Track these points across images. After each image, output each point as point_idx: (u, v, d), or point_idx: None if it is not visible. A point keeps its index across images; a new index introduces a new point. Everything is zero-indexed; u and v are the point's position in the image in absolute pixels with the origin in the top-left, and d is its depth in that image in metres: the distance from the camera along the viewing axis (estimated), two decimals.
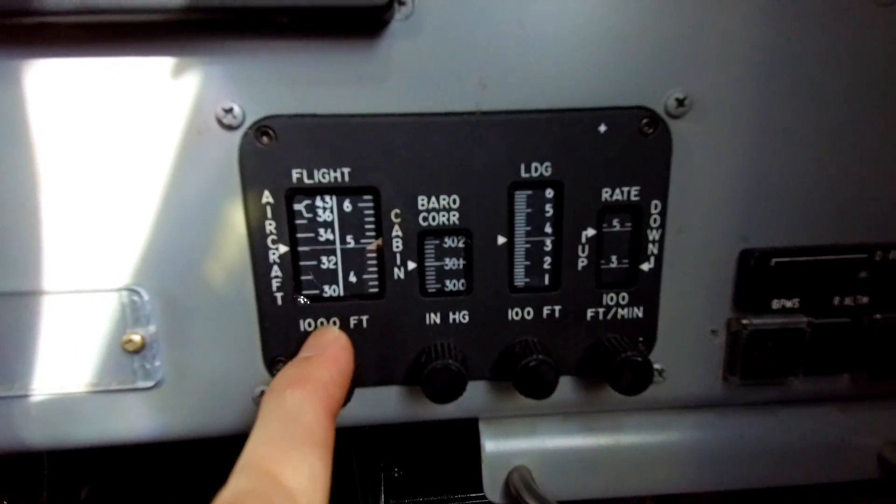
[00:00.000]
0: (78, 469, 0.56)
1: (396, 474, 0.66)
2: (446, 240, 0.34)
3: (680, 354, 0.36)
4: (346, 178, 0.31)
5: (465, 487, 0.63)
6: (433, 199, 0.32)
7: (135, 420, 0.35)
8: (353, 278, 0.34)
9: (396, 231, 0.33)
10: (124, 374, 0.33)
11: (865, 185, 0.34)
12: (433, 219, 0.33)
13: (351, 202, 0.32)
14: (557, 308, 0.35)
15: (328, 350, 0.30)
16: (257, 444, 0.24)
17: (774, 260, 0.34)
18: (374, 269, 0.34)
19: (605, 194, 0.33)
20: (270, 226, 0.32)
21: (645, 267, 0.34)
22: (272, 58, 0.30)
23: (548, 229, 0.34)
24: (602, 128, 0.32)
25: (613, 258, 0.34)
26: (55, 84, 0.29)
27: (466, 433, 0.40)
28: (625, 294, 0.35)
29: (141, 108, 0.30)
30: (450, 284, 0.34)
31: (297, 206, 0.32)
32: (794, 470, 0.40)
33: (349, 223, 0.33)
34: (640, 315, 0.35)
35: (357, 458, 0.63)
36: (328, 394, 0.27)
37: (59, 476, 0.54)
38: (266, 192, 0.31)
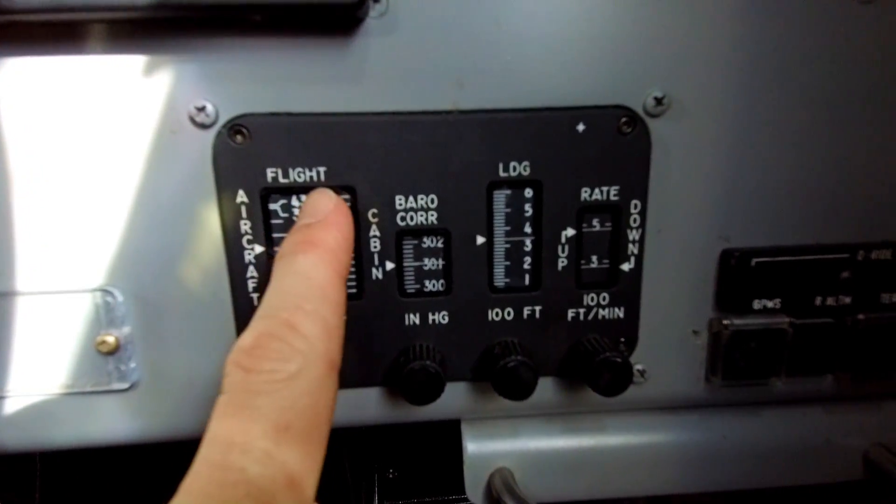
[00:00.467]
0: (72, 470, 0.56)
1: (391, 475, 0.66)
2: (425, 240, 0.33)
3: (662, 355, 0.36)
4: (322, 178, 0.31)
5: (460, 489, 0.63)
6: (411, 198, 0.32)
7: (111, 422, 0.34)
8: None
9: (374, 231, 0.32)
10: (99, 375, 0.33)
11: (847, 184, 0.34)
12: (411, 218, 0.32)
13: None
14: (538, 308, 0.34)
15: (329, 216, 0.29)
16: (273, 298, 0.25)
17: (755, 260, 0.34)
18: (352, 269, 0.33)
19: (585, 194, 0.32)
20: (245, 226, 0.32)
21: (625, 267, 0.34)
22: (245, 56, 0.29)
23: (527, 229, 0.33)
24: (580, 127, 0.31)
25: (593, 258, 0.34)
26: (25, 83, 0.29)
27: (460, 434, 0.40)
28: (605, 294, 0.34)
29: (113, 107, 0.30)
30: (429, 285, 0.34)
31: (272, 206, 0.32)
32: (778, 471, 0.39)
33: None
34: (621, 315, 0.35)
35: (350, 459, 0.63)
36: (337, 258, 0.27)
37: (53, 477, 0.54)
38: (241, 192, 0.31)
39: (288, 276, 0.26)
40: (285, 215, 0.32)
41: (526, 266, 0.34)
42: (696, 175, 0.33)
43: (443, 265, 0.34)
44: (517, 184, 0.32)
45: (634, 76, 0.31)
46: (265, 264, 0.32)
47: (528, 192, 0.33)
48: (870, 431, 0.39)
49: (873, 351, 0.36)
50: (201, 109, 0.30)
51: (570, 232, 0.33)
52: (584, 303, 0.34)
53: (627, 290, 0.34)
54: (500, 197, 0.33)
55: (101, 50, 0.29)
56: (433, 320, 0.34)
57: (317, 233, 0.28)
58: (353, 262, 0.33)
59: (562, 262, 0.34)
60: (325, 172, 0.31)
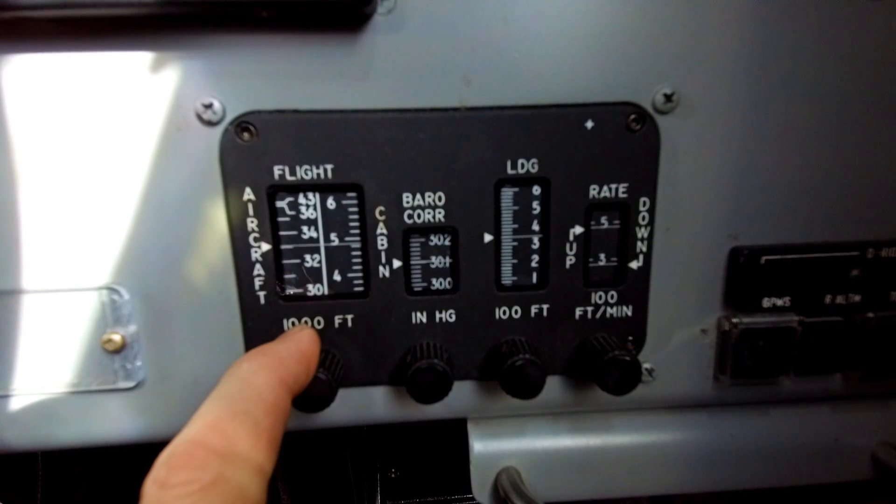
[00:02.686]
0: (74, 469, 0.56)
1: (393, 475, 0.65)
2: (432, 237, 0.33)
3: (670, 354, 0.36)
4: (329, 175, 0.31)
5: (462, 488, 0.63)
6: (418, 196, 0.32)
7: (116, 421, 0.34)
8: (337, 277, 0.33)
9: (381, 229, 0.32)
10: (105, 374, 0.33)
11: (857, 181, 0.34)
12: (418, 216, 0.32)
13: (334, 199, 0.32)
14: (545, 307, 0.34)
15: (292, 335, 0.31)
16: (208, 403, 0.25)
17: (764, 258, 0.34)
18: (359, 267, 0.33)
19: (593, 191, 0.32)
20: (252, 223, 0.31)
21: (634, 265, 0.34)
22: (253, 52, 0.29)
23: (535, 227, 0.33)
24: (589, 124, 0.31)
25: (602, 256, 0.34)
26: (32, 80, 0.29)
27: (464, 433, 0.40)
28: (613, 293, 0.34)
29: (119, 104, 0.30)
30: (436, 283, 0.34)
31: (279, 204, 0.32)
32: (786, 470, 0.39)
33: (333, 221, 0.32)
34: (630, 314, 0.35)
35: (353, 458, 0.63)
36: (284, 366, 0.28)
37: (55, 476, 0.54)
38: (247, 190, 0.31)
39: (227, 383, 0.26)
40: (292, 213, 0.32)
41: (533, 264, 0.34)
42: (705, 172, 0.33)
43: (450, 263, 0.33)
44: (525, 181, 0.32)
45: (643, 73, 0.31)
46: (272, 262, 0.32)
47: (536, 190, 0.32)
48: (878, 430, 0.39)
49: (883, 349, 0.35)
50: (208, 107, 0.30)
51: (578, 230, 0.33)
52: (592, 301, 0.34)
53: (636, 289, 0.34)
54: (508, 194, 0.32)
55: (108, 46, 0.29)
56: (440, 318, 0.34)
57: (271, 345, 0.29)
58: (362, 263, 0.33)
59: (570, 260, 0.33)
60: (332, 170, 0.31)
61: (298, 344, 0.30)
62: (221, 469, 0.22)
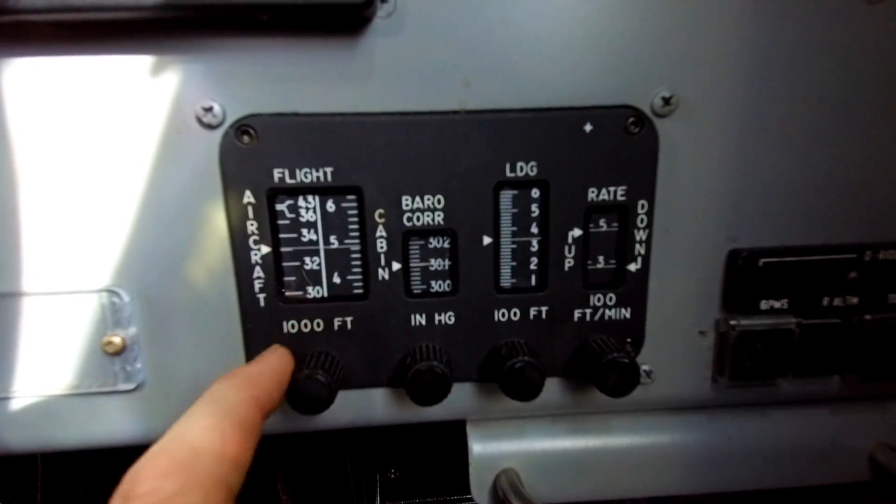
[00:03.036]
0: (73, 471, 0.56)
1: (393, 475, 0.66)
2: (431, 240, 0.33)
3: (668, 356, 0.36)
4: (329, 178, 0.31)
5: (462, 489, 0.63)
6: (417, 198, 0.32)
7: (116, 423, 0.34)
8: (337, 279, 0.33)
9: (380, 231, 0.32)
10: (105, 376, 0.33)
11: (855, 184, 0.34)
12: (418, 219, 0.32)
13: (334, 202, 0.32)
14: (544, 309, 0.34)
15: (262, 356, 0.32)
16: (180, 420, 0.25)
17: (763, 260, 0.34)
18: (359, 269, 0.33)
19: (592, 194, 0.32)
20: (252, 226, 0.32)
21: (632, 267, 0.34)
22: (253, 56, 0.29)
23: (534, 229, 0.33)
24: (588, 127, 0.31)
25: (600, 258, 0.34)
26: (32, 83, 0.29)
27: (463, 435, 0.40)
28: (612, 295, 0.34)
29: (119, 107, 0.30)
30: (435, 285, 0.34)
31: (279, 207, 0.32)
32: (784, 472, 0.39)
33: (332, 223, 0.32)
34: (628, 316, 0.35)
35: (352, 459, 0.63)
36: (256, 383, 0.28)
37: (54, 478, 0.54)
38: (247, 192, 0.31)
39: (200, 401, 0.26)
40: (292, 216, 0.32)
41: (532, 266, 0.34)
42: (704, 175, 0.33)
43: (449, 265, 0.34)
44: (524, 184, 0.32)
45: (642, 76, 0.31)
46: (272, 265, 0.32)
47: (535, 193, 0.33)
48: (876, 432, 0.39)
49: (880, 351, 0.36)
50: (208, 110, 0.30)
51: (577, 232, 0.33)
52: (591, 303, 0.34)
53: (634, 291, 0.34)
54: (507, 197, 0.33)
55: (108, 50, 0.29)
56: (439, 321, 0.34)
57: (243, 367, 0.30)
58: (359, 263, 0.33)
59: (568, 263, 0.34)
60: (332, 173, 0.31)
61: (270, 363, 0.31)
62: (184, 479, 0.22)
